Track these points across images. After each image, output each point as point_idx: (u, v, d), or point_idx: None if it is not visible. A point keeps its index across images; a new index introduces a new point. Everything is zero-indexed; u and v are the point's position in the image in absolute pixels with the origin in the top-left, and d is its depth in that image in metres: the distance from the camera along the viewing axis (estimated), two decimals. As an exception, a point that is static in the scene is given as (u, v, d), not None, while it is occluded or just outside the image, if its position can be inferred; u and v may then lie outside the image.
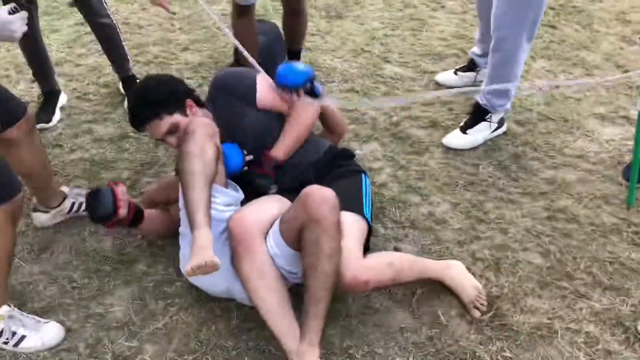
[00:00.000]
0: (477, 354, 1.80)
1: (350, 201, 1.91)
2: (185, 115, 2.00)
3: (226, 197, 1.86)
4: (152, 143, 2.62)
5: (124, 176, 2.45)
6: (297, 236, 1.71)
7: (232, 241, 1.77)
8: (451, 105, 2.96)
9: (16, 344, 1.77)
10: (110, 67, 3.09)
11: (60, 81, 2.92)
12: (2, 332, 1.75)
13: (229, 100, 2.04)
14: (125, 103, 2.84)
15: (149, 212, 2.04)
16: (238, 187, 1.96)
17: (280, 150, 2.02)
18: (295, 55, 3.04)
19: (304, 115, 2.05)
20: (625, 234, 2.21)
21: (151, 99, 1.96)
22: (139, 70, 3.05)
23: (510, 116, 2.87)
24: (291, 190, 1.95)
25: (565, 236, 2.21)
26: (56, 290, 1.99)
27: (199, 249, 1.58)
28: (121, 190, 1.93)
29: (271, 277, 1.74)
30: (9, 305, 1.80)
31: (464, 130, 2.69)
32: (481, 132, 2.68)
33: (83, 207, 2.22)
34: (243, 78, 2.06)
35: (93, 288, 2.00)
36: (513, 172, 2.53)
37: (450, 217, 2.30)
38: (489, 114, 2.66)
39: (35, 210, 2.17)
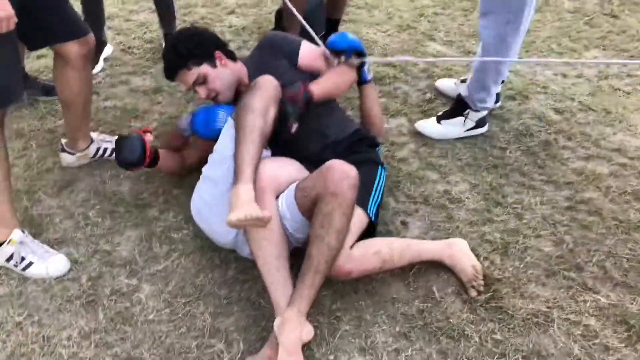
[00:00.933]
0: (465, 332, 1.76)
1: (359, 193, 1.86)
2: (214, 66, 2.05)
3: None
4: (184, 99, 2.69)
5: (151, 126, 2.53)
6: (310, 206, 1.71)
7: None
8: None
9: (23, 269, 1.88)
10: (157, 24, 3.19)
11: (108, 34, 3.04)
12: (12, 255, 1.86)
13: (274, 55, 2.11)
14: None
15: (163, 153, 2.12)
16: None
17: (317, 86, 2.00)
18: (334, 24, 3.02)
19: (345, 71, 2.09)
20: (651, 233, 2.09)
21: (179, 50, 2.04)
22: (184, 30, 3.13)
23: (549, 103, 2.76)
24: (307, 160, 1.96)
25: (584, 228, 2.11)
26: (71, 224, 2.10)
27: (245, 203, 1.61)
28: (149, 139, 2.02)
29: (274, 230, 1.75)
30: (22, 231, 1.91)
31: (439, 119, 2.56)
32: (454, 127, 2.53)
33: (107, 153, 2.31)
34: (291, 39, 2.14)
35: (105, 227, 2.09)
36: (541, 159, 2.43)
37: (466, 198, 2.25)
38: (467, 110, 2.51)
39: (63, 150, 2.28)
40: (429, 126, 2.56)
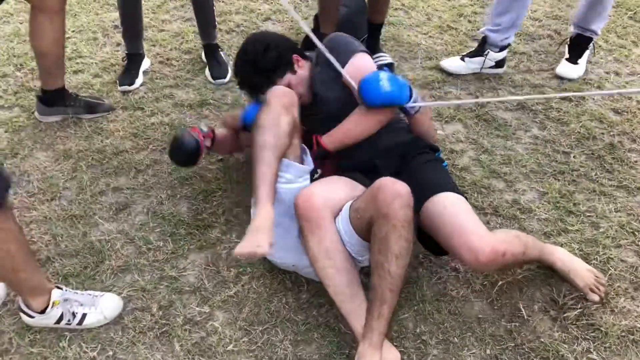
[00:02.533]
0: (560, 353, 1.69)
1: (447, 182, 1.80)
2: (294, 72, 2.00)
3: (297, 171, 1.81)
4: (232, 111, 2.61)
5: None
6: (367, 228, 1.62)
7: (299, 218, 1.72)
8: (542, 89, 2.78)
9: (79, 323, 1.76)
10: (193, 34, 3.11)
11: (143, 46, 2.95)
12: (62, 315, 1.74)
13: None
14: (207, 71, 2.83)
15: (220, 136, 2.10)
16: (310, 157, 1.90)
17: (331, 139, 1.89)
18: (376, 29, 2.93)
19: (370, 116, 1.90)
20: None
21: (261, 68, 1.96)
22: (220, 38, 3.04)
23: (606, 103, 2.68)
24: (365, 171, 1.89)
25: (666, 236, 2.04)
26: (132, 250, 2.02)
27: (254, 231, 1.54)
28: (202, 136, 2.00)
29: (340, 257, 1.67)
30: (59, 288, 1.77)
31: (463, 57, 2.87)
32: (474, 64, 2.86)
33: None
34: (350, 46, 1.99)
35: (167, 251, 2.01)
36: (608, 163, 2.35)
37: (536, 207, 2.17)
38: (487, 50, 2.81)
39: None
40: (453, 63, 2.89)
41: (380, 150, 1.92)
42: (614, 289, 1.86)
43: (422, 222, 1.75)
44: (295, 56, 2.01)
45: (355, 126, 1.90)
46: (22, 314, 1.74)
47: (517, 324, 1.78)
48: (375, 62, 2.82)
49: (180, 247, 2.02)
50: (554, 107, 2.65)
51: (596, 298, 1.80)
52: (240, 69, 2.03)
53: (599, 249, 1.99)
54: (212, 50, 2.83)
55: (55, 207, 2.14)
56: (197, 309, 1.83)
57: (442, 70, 2.90)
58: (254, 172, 1.65)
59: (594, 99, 2.71)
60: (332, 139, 1.90)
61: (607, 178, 2.28)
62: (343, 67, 1.90)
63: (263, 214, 1.57)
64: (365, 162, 1.91)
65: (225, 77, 2.79)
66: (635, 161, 2.36)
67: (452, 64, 2.88)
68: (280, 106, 1.71)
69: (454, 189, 1.76)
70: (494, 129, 2.55)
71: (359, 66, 1.93)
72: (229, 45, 3.07)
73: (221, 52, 2.87)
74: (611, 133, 2.50)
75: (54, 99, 2.49)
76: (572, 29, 2.93)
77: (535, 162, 2.37)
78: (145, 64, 2.85)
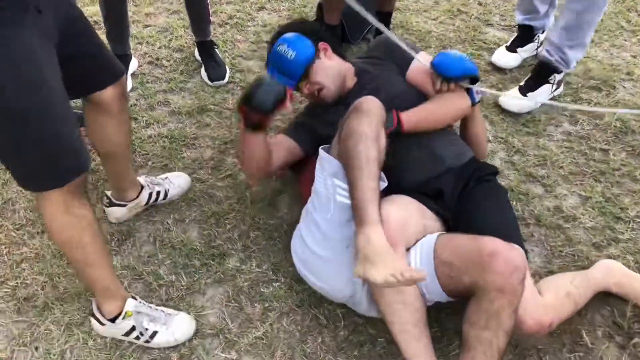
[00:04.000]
0: (634, 387, 1.53)
1: (509, 231, 1.60)
2: (318, 57, 1.82)
3: None
4: (235, 118, 2.36)
5: (206, 155, 2.20)
6: (461, 289, 1.42)
7: None
8: (568, 78, 2.58)
9: (147, 341, 1.61)
10: (183, 29, 2.83)
11: (130, 45, 2.67)
12: (132, 328, 1.59)
13: (387, 55, 1.88)
14: (203, 71, 2.56)
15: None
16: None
17: (409, 116, 1.70)
18: (385, 18, 2.69)
19: (450, 100, 1.76)
20: None
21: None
22: (213, 32, 2.76)
23: (639, 91, 2.49)
24: (419, 190, 1.68)
25: None
26: (142, 287, 1.78)
27: (385, 253, 1.33)
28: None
29: (410, 292, 1.47)
30: (134, 298, 1.63)
31: (524, 92, 2.39)
32: (541, 97, 2.37)
33: (161, 197, 1.98)
34: (408, 43, 1.78)
35: (182, 286, 1.78)
36: (651, 160, 2.18)
37: (581, 214, 1.99)
38: (553, 75, 2.37)
39: (111, 204, 1.94)
40: (514, 100, 2.39)
41: (445, 171, 1.72)
42: (682, 307, 1.70)
43: None
44: (323, 43, 1.85)
45: (438, 108, 1.74)
46: (93, 320, 1.62)
47: (580, 353, 1.61)
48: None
49: (195, 281, 1.80)
50: (583, 99, 2.46)
51: None
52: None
53: (656, 260, 1.83)
54: (207, 48, 2.56)
55: (48, 242, 1.89)
56: (222, 355, 1.61)
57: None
58: (360, 187, 1.42)
59: (624, 86, 2.52)
60: (410, 117, 1.69)
61: (653, 177, 2.12)
62: (405, 66, 1.83)
63: (379, 235, 1.36)
64: (429, 181, 1.71)
65: (224, 78, 2.53)
66: (680, 157, 2.19)
67: (513, 101, 2.42)
68: (380, 120, 1.49)
69: (515, 239, 1.55)
70: (522, 126, 2.35)
71: (424, 60, 1.79)
72: (223, 40, 2.79)
73: (216, 50, 2.60)
74: (649, 125, 2.33)
75: None
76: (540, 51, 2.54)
77: (572, 162, 2.18)
78: (133, 65, 2.57)
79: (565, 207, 2.01)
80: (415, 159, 1.71)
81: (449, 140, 1.77)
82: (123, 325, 1.59)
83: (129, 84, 2.48)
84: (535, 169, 2.15)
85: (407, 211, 1.56)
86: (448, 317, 1.68)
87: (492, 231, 1.47)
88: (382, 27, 1.51)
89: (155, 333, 1.60)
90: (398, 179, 1.67)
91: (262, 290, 1.78)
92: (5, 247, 1.87)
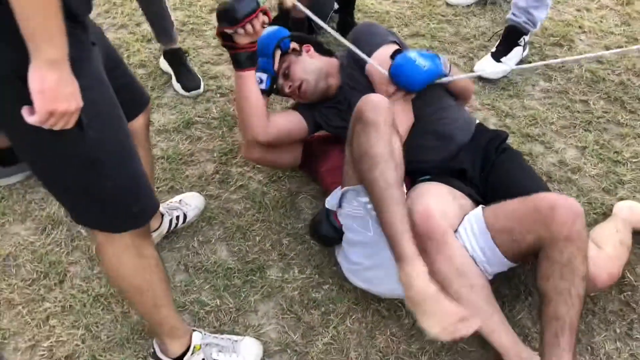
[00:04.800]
0: (685, 312, 1.65)
1: (545, 188, 1.65)
2: (299, 54, 1.85)
3: None
4: (225, 126, 2.27)
5: (209, 170, 2.10)
6: (523, 251, 1.45)
7: (419, 239, 1.48)
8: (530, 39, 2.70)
9: None
10: (138, 43, 2.67)
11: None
12: None
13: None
14: (174, 82, 2.43)
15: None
16: None
17: None
18: (349, 1, 2.68)
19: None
20: None
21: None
22: (169, 42, 2.62)
23: (595, 42, 2.66)
24: (434, 172, 1.72)
25: None
26: (189, 319, 1.69)
27: (431, 302, 1.31)
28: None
29: (474, 273, 1.48)
30: (200, 332, 1.54)
31: (497, 58, 2.48)
32: (513, 59, 2.49)
33: (181, 221, 1.88)
34: (376, 37, 1.76)
35: (230, 309, 1.70)
36: (627, 103, 2.33)
37: (583, 164, 2.10)
38: (522, 37, 2.46)
39: None
40: (490, 67, 2.46)
41: (458, 149, 1.75)
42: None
43: None
44: (306, 46, 1.87)
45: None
46: None
47: (629, 293, 1.71)
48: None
49: (243, 300, 1.72)
50: (549, 55, 2.59)
51: None
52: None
53: (662, 195, 1.97)
54: (178, 57, 2.42)
55: (71, 291, 1.74)
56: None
57: (422, 35, 2.73)
58: (387, 219, 1.40)
59: (581, 39, 2.68)
60: None
61: (634, 119, 2.27)
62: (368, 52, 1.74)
63: (419, 274, 1.34)
64: (446, 163, 1.74)
65: (199, 87, 2.41)
66: (652, 96, 2.37)
67: (489, 67, 2.47)
68: (388, 126, 1.44)
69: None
70: (502, 90, 2.44)
71: (386, 53, 1.72)
72: (184, 49, 2.66)
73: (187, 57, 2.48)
74: (616, 72, 2.49)
75: (10, 155, 2.01)
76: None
77: (560, 117, 2.29)
78: None
79: (568, 160, 2.12)
80: (422, 146, 1.74)
81: (449, 116, 1.78)
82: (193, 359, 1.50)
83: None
84: (530, 128, 2.24)
85: (441, 197, 1.58)
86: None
87: (530, 193, 1.51)
88: (329, 29, 1.65)
89: None
90: (415, 166, 1.71)
91: (314, 295, 1.74)
92: (24, 307, 1.69)
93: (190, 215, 1.91)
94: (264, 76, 1.79)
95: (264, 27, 1.64)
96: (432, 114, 1.76)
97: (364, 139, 1.43)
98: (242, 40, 1.63)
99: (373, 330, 1.66)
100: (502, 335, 1.47)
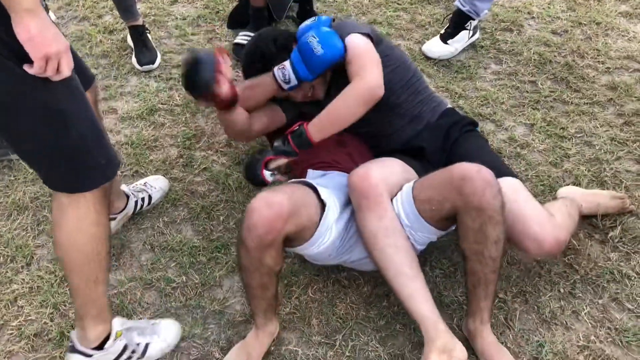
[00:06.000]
0: (622, 271, 1.77)
1: (501, 165, 1.72)
2: None
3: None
4: (188, 112, 2.32)
5: (173, 154, 2.15)
6: (445, 217, 1.53)
7: (355, 195, 1.58)
8: (482, 24, 2.81)
9: (142, 354, 1.55)
10: (100, 34, 2.70)
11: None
12: (125, 347, 1.52)
13: None
14: (133, 58, 2.52)
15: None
16: None
17: (315, 127, 1.65)
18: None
19: (349, 100, 1.65)
20: None
21: (262, 51, 1.81)
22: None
23: (543, 27, 2.78)
24: (410, 153, 1.79)
25: (651, 138, 2.20)
26: (156, 295, 1.74)
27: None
28: (226, 61, 1.65)
29: (400, 236, 1.56)
30: (119, 317, 1.56)
31: (445, 39, 2.61)
32: (460, 42, 2.62)
33: (146, 203, 1.93)
34: (345, 26, 1.75)
35: (196, 285, 1.76)
36: (572, 82, 2.46)
37: (532, 140, 2.22)
38: (469, 21, 2.59)
39: None
40: (436, 48, 2.60)
41: (423, 128, 1.82)
42: (637, 199, 1.97)
43: None
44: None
45: (342, 109, 1.65)
46: (74, 357, 1.47)
47: (572, 255, 1.82)
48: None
49: (208, 276, 1.78)
50: (500, 40, 2.71)
51: (633, 208, 1.92)
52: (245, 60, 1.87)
53: (603, 165, 2.09)
54: (139, 33, 2.51)
55: (39, 272, 1.77)
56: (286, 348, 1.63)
57: (380, 23, 2.82)
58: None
59: (529, 24, 2.80)
60: (319, 129, 1.66)
61: (578, 97, 2.39)
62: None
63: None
64: (410, 140, 1.81)
65: (154, 63, 2.51)
66: (594, 76, 2.49)
67: (436, 48, 2.62)
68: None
69: (510, 172, 1.70)
70: (455, 73, 2.54)
71: (359, 41, 1.70)
72: (144, 27, 2.69)
73: (148, 35, 2.55)
74: (562, 54, 2.61)
75: None
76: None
77: (509, 97, 2.41)
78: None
79: (517, 137, 2.23)
80: (398, 127, 1.81)
81: (425, 94, 1.86)
82: (115, 347, 1.50)
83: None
84: (481, 108, 2.35)
85: (389, 167, 1.66)
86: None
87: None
88: None
89: (147, 345, 1.55)
90: (385, 144, 1.81)
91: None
92: (-8, 289, 1.73)
93: (155, 197, 1.96)
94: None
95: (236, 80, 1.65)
96: (406, 97, 1.81)
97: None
98: (222, 92, 1.64)
99: (334, 299, 1.74)
100: (420, 302, 1.50)
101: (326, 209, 1.57)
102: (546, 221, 1.57)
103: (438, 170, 1.55)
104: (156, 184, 1.98)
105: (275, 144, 1.70)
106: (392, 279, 1.55)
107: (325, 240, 1.57)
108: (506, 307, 1.70)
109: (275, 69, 1.73)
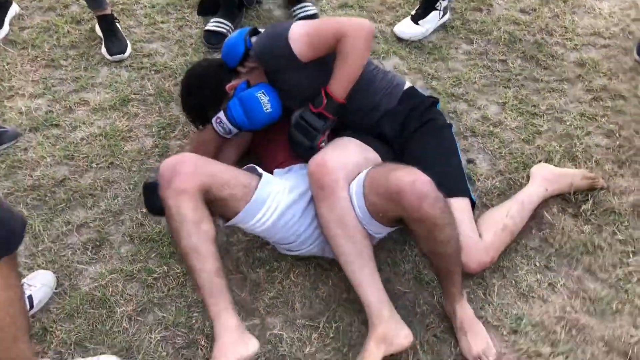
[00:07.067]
0: (595, 243, 1.83)
1: (453, 182, 1.74)
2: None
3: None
4: (162, 102, 2.30)
5: (148, 144, 2.13)
6: (392, 220, 1.57)
7: (312, 184, 1.61)
8: (452, 5, 2.83)
9: None
10: (67, 25, 2.64)
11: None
12: None
13: (275, 65, 1.77)
14: (103, 48, 2.49)
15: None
16: None
17: (337, 85, 1.68)
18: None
19: (351, 56, 1.67)
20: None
21: (192, 105, 1.91)
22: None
23: (512, 5, 2.81)
24: (363, 131, 1.82)
25: (619, 113, 2.25)
26: (138, 286, 1.74)
27: None
28: None
29: (351, 226, 1.58)
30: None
31: (416, 20, 2.62)
32: (431, 23, 2.63)
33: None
34: (274, 39, 1.73)
35: (178, 274, 1.77)
36: (542, 60, 2.50)
37: (504, 118, 2.25)
38: (439, 2, 2.60)
39: None
40: (408, 29, 2.61)
41: (383, 115, 1.84)
42: (607, 172, 2.02)
43: None
44: (228, 85, 1.83)
45: (352, 62, 1.67)
46: None
47: (547, 230, 1.87)
48: (299, 13, 2.67)
49: (189, 265, 1.79)
50: (470, 20, 2.73)
51: (603, 183, 1.97)
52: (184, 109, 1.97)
53: (574, 140, 2.14)
54: (108, 23, 2.47)
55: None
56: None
57: (351, 6, 2.82)
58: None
59: (498, 3, 2.83)
60: (340, 85, 1.68)
61: (548, 75, 2.43)
62: (292, 56, 1.69)
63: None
64: (372, 127, 1.84)
65: (124, 52, 2.47)
66: (562, 53, 2.53)
67: (407, 29, 2.63)
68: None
69: (458, 191, 1.72)
70: (428, 54, 2.56)
71: (301, 29, 1.70)
72: (113, 16, 2.63)
73: (118, 24, 2.52)
74: (531, 32, 2.65)
75: None
76: None
77: (481, 77, 2.43)
78: (13, 10, 2.61)
79: (490, 115, 2.26)
80: (355, 113, 1.81)
81: (379, 80, 1.85)
82: None
83: (5, 30, 2.53)
84: (454, 89, 2.38)
85: (345, 150, 1.69)
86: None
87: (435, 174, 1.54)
88: None
89: None
90: (346, 124, 1.83)
91: (258, 255, 1.83)
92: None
93: (38, 297, 1.68)
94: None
95: None
96: (371, 86, 1.83)
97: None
98: None
99: (316, 282, 1.76)
100: (368, 289, 1.56)
101: (261, 181, 1.63)
102: (470, 246, 1.67)
103: (384, 174, 1.54)
104: (35, 281, 1.71)
105: (316, 124, 1.70)
106: (343, 266, 1.62)
107: (266, 218, 1.61)
108: (485, 283, 1.74)
109: (214, 122, 1.79)
